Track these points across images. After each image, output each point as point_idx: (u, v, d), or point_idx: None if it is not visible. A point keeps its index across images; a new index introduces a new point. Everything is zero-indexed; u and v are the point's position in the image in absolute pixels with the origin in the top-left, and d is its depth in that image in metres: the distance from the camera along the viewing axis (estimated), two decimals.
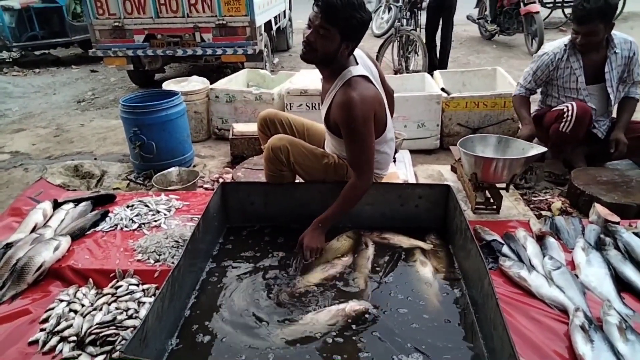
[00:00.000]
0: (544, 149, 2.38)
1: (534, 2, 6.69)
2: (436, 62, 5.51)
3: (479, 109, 3.73)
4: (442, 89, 3.89)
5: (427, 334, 1.56)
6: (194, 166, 3.62)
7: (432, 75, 4.40)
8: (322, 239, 2.02)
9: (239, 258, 1.99)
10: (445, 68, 5.47)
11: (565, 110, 2.81)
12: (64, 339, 1.66)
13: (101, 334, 1.65)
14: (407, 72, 5.26)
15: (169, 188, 3.01)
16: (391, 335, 1.55)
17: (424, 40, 5.33)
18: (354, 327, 1.59)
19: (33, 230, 2.30)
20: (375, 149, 2.02)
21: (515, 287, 1.85)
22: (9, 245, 2.12)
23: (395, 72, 5.39)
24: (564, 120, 2.81)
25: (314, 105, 3.77)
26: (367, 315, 1.62)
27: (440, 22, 5.46)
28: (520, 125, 3.29)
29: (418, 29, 5.50)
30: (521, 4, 6.62)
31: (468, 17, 8.01)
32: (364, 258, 1.94)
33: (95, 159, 3.97)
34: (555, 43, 2.99)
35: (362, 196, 2.03)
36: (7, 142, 4.54)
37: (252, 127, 3.60)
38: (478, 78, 4.45)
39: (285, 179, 2.21)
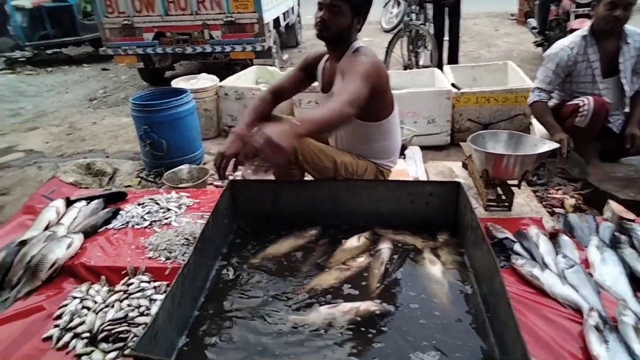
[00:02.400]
0: (556, 145, 2.35)
1: (587, 17, 6.06)
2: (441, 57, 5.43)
3: (490, 104, 3.70)
4: (453, 84, 3.86)
5: (438, 331, 1.55)
6: (204, 164, 3.64)
7: (442, 70, 4.37)
8: (292, 142, 1.64)
9: (248, 255, 1.99)
10: (456, 63, 5.42)
11: (581, 104, 2.76)
12: (77, 335, 1.68)
13: (113, 331, 1.67)
14: (417, 68, 5.22)
15: (180, 186, 3.03)
16: (404, 333, 1.55)
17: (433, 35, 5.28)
18: (367, 324, 1.58)
19: (46, 228, 2.32)
20: (385, 130, 2.10)
21: (528, 285, 1.83)
22: (23, 243, 2.15)
23: (405, 68, 5.35)
24: (579, 114, 2.76)
25: (308, 101, 3.76)
26: (381, 316, 1.61)
27: (447, 16, 5.41)
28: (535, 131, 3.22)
29: (427, 24, 5.45)
30: (571, 15, 6.01)
31: (525, 24, 7.33)
32: (379, 260, 1.92)
33: (107, 157, 4.01)
34: (566, 41, 2.93)
35: (340, 120, 1.82)
36: (21, 140, 4.60)
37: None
38: (489, 73, 4.41)
39: (295, 177, 2.21)
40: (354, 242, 2.02)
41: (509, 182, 2.44)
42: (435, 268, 1.86)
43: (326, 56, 2.24)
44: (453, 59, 5.47)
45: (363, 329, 1.56)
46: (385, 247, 1.97)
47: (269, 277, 1.85)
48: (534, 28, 6.53)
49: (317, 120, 1.78)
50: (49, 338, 1.69)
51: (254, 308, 1.69)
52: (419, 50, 5.37)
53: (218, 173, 2.01)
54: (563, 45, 2.89)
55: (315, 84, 2.35)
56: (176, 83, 4.22)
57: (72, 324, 1.72)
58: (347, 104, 1.80)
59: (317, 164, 2.13)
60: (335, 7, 1.96)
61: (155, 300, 1.83)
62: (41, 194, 2.82)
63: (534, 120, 3.26)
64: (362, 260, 1.91)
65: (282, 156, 1.61)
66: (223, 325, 1.60)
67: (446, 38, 5.46)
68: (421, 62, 5.35)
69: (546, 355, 1.48)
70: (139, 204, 2.54)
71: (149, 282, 1.93)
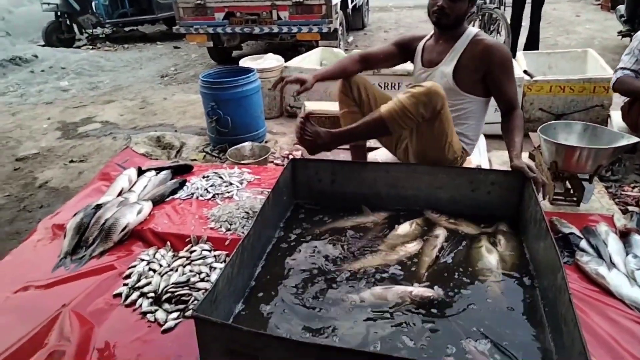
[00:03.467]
0: (636, 139, 2.19)
1: None
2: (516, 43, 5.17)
3: (564, 94, 3.50)
4: (525, 71, 3.68)
5: (488, 318, 1.53)
6: (266, 142, 3.72)
7: (514, 56, 4.17)
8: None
9: (304, 233, 2.04)
10: (537, 49, 5.14)
11: None
12: (143, 295, 1.79)
13: (176, 293, 1.77)
14: None
15: (242, 162, 3.13)
16: (454, 317, 1.54)
17: (509, 20, 5.04)
18: (417, 306, 1.58)
19: (119, 194, 2.49)
20: (482, 109, 2.24)
21: (592, 284, 1.75)
22: (98, 206, 2.31)
23: None
24: None
25: (386, 85, 3.72)
26: (434, 302, 1.61)
27: (529, 0, 5.13)
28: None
29: (502, 7, 5.20)
30: None
31: (614, 11, 6.83)
32: (432, 245, 1.90)
33: (176, 131, 4.20)
34: None
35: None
36: (98, 112, 4.91)
37: (323, 106, 3.62)
38: (566, 60, 4.16)
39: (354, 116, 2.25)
40: (406, 227, 2.01)
41: (580, 176, 2.32)
42: (491, 256, 1.81)
43: (428, 36, 2.30)
44: (532, 46, 5.18)
45: (413, 309, 1.57)
46: (439, 234, 1.95)
47: (323, 254, 1.89)
48: (622, 16, 6.03)
49: (520, 140, 2.08)
50: (119, 295, 1.82)
51: (306, 282, 1.73)
52: (491, 35, 5.14)
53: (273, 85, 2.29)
54: None
55: (409, 66, 2.44)
56: (243, 62, 4.32)
57: (139, 284, 1.85)
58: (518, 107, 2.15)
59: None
60: None
61: (214, 268, 1.92)
62: (115, 162, 3.02)
63: (612, 113, 3.05)
64: (412, 245, 1.89)
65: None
66: (277, 296, 1.66)
67: (524, 23, 5.20)
68: None
69: (605, 356, 1.42)
70: (203, 177, 2.66)
71: (209, 250, 2.03)
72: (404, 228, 2.00)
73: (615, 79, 2.81)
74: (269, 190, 1.97)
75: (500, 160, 2.93)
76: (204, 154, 3.61)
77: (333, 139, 2.07)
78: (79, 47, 8.51)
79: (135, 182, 2.62)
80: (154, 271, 1.92)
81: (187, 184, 2.61)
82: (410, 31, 7.35)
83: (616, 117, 2.91)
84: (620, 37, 5.97)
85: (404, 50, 2.36)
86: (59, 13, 8.45)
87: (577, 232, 2.01)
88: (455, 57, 2.13)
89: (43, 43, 8.37)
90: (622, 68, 2.79)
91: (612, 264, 1.80)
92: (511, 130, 2.08)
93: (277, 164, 3.24)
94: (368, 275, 1.76)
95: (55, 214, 2.44)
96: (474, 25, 5.17)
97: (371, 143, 2.62)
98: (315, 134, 2.04)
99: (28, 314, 1.71)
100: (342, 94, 2.31)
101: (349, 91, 2.28)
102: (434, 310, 1.57)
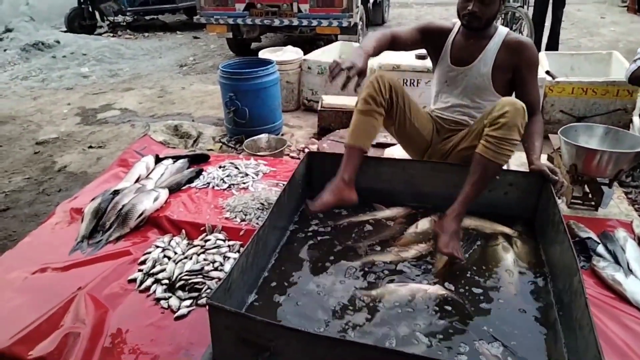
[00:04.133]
0: None
1: None
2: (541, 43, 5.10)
3: (586, 96, 3.44)
4: (547, 72, 3.63)
5: (501, 320, 1.53)
6: (282, 135, 3.73)
7: None
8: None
9: (318, 226, 2.04)
10: (556, 50, 5.06)
11: None
12: (157, 281, 1.81)
13: (190, 281, 1.79)
14: None
15: (258, 153, 3.14)
16: (466, 316, 1.54)
17: (532, 19, 4.97)
18: (430, 303, 1.58)
19: (137, 180, 2.51)
20: None
21: (608, 290, 1.72)
22: (116, 192, 2.34)
23: None
24: None
25: (405, 81, 3.69)
26: (448, 300, 1.60)
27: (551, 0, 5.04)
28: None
29: (526, 6, 5.12)
30: None
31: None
32: None
33: (193, 120, 4.23)
34: None
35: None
36: (118, 99, 4.97)
37: (341, 100, 3.62)
38: (590, 62, 4.09)
39: (374, 127, 2.05)
40: (425, 224, 2.00)
41: (599, 180, 2.28)
42: (508, 255, 1.80)
43: (456, 29, 2.21)
44: (552, 47, 5.11)
45: (426, 307, 1.57)
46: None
47: (337, 247, 1.89)
48: None
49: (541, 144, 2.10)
50: (134, 280, 1.85)
51: (319, 275, 1.74)
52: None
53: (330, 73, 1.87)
54: None
55: (405, 64, 2.33)
56: (263, 54, 4.33)
57: (153, 270, 1.87)
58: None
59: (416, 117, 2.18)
60: None
61: (228, 257, 1.94)
62: (134, 149, 3.05)
63: (635, 118, 3.00)
64: (424, 246, 1.89)
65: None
66: (290, 287, 1.67)
67: (547, 23, 5.12)
68: None
69: None
70: (220, 167, 2.67)
71: (224, 240, 2.04)
72: (423, 224, 2.00)
73: (631, 70, 2.79)
74: (284, 182, 1.98)
75: (518, 161, 2.89)
76: (221, 144, 3.63)
77: (458, 221, 1.85)
78: (100, 34, 8.59)
79: (152, 170, 2.64)
80: (169, 258, 1.94)
81: (203, 173, 2.63)
82: None
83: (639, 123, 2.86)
84: None
85: (428, 40, 2.25)
86: (81, 0, 8.54)
87: (595, 237, 1.98)
88: (491, 57, 2.10)
89: (65, 29, 8.47)
90: (637, 60, 2.77)
91: (629, 271, 1.77)
92: (531, 134, 2.04)
93: (292, 157, 3.25)
94: (382, 270, 1.76)
95: (73, 198, 2.48)
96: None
97: (387, 139, 2.61)
98: (454, 236, 1.80)
99: (45, 295, 1.75)
100: (374, 92, 2.02)
101: (380, 91, 2.02)
102: (448, 308, 1.57)
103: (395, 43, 2.17)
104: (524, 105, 1.84)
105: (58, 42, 7.23)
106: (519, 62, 2.08)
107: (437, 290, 1.61)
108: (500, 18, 5.04)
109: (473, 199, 1.86)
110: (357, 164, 2.00)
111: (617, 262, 1.83)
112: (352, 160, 2.00)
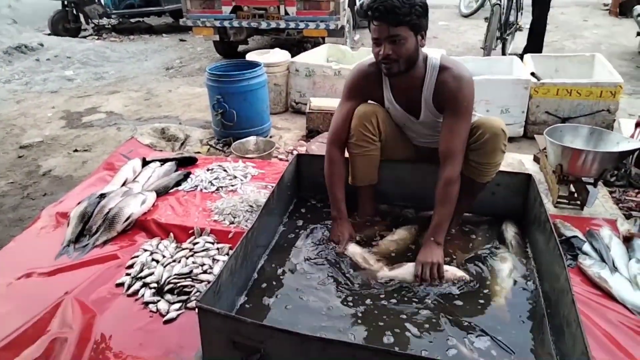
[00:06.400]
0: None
1: None
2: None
3: (571, 98, 3.48)
4: (532, 74, 3.67)
5: (490, 316, 1.57)
6: (271, 137, 3.72)
7: (522, 59, 4.16)
8: (441, 253, 1.79)
9: (307, 227, 2.04)
10: (540, 52, 5.12)
11: None
12: (146, 285, 1.80)
13: (178, 284, 1.78)
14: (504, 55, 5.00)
15: (247, 156, 3.13)
16: (456, 313, 1.57)
17: (529, 22, 5.02)
18: (409, 291, 1.65)
19: (124, 184, 2.49)
20: None
21: (594, 287, 1.75)
22: (102, 196, 2.32)
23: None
24: None
25: None
26: (462, 284, 1.69)
27: (534, 3, 5.12)
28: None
29: (519, 14, 5.19)
30: None
31: (630, 14, 6.61)
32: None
33: (180, 123, 4.19)
34: None
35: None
36: (103, 102, 4.90)
37: (328, 102, 3.62)
38: (573, 64, 4.14)
39: (372, 158, 2.02)
40: (402, 233, 2.01)
41: (584, 179, 2.31)
42: (504, 266, 1.82)
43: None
44: (536, 49, 5.17)
45: (410, 294, 1.64)
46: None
47: (325, 247, 1.90)
48: (639, 15, 6.00)
49: (448, 220, 1.85)
50: (121, 284, 1.83)
51: (309, 275, 1.75)
52: (507, 37, 5.12)
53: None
54: None
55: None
56: (250, 56, 4.31)
57: (141, 274, 1.85)
58: (457, 167, 1.82)
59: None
60: (395, 36, 1.69)
61: (217, 260, 1.92)
62: (120, 152, 3.02)
63: (621, 119, 3.05)
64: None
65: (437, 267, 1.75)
66: (280, 289, 1.67)
67: (527, 26, 5.18)
68: (509, 50, 5.11)
69: (607, 358, 1.42)
70: (208, 169, 2.66)
71: (213, 243, 2.03)
72: (400, 233, 2.01)
73: None
74: (273, 184, 1.98)
75: (505, 162, 2.91)
76: (209, 147, 3.60)
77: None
78: (84, 37, 8.49)
79: (139, 173, 2.62)
80: (157, 262, 1.92)
81: (191, 176, 2.61)
82: None
83: (623, 122, 2.91)
84: None
85: (366, 96, 2.03)
86: (65, 2, 8.42)
87: (581, 236, 2.01)
88: (431, 104, 1.88)
89: (49, 32, 8.35)
90: None
91: (614, 268, 1.80)
92: (438, 199, 1.83)
93: (281, 159, 3.24)
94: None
95: (59, 202, 2.44)
96: (490, 26, 5.13)
97: None
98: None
99: (31, 301, 1.72)
100: (364, 130, 1.95)
101: (369, 127, 1.96)
102: (437, 303, 1.60)
103: (344, 141, 2.00)
104: (502, 127, 1.83)
105: (42, 45, 7.12)
106: (446, 105, 1.84)
107: (454, 272, 1.72)
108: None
109: (460, 214, 2.00)
110: (372, 197, 2.14)
111: (602, 260, 1.86)
112: (368, 196, 2.13)
